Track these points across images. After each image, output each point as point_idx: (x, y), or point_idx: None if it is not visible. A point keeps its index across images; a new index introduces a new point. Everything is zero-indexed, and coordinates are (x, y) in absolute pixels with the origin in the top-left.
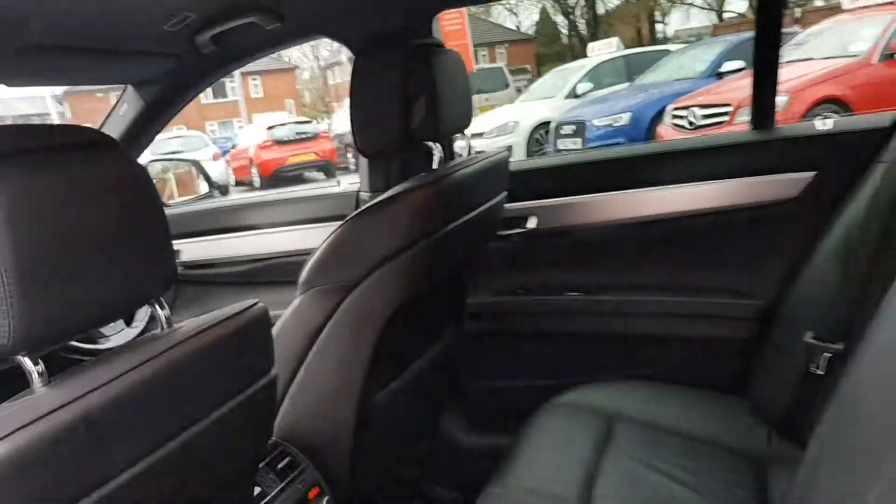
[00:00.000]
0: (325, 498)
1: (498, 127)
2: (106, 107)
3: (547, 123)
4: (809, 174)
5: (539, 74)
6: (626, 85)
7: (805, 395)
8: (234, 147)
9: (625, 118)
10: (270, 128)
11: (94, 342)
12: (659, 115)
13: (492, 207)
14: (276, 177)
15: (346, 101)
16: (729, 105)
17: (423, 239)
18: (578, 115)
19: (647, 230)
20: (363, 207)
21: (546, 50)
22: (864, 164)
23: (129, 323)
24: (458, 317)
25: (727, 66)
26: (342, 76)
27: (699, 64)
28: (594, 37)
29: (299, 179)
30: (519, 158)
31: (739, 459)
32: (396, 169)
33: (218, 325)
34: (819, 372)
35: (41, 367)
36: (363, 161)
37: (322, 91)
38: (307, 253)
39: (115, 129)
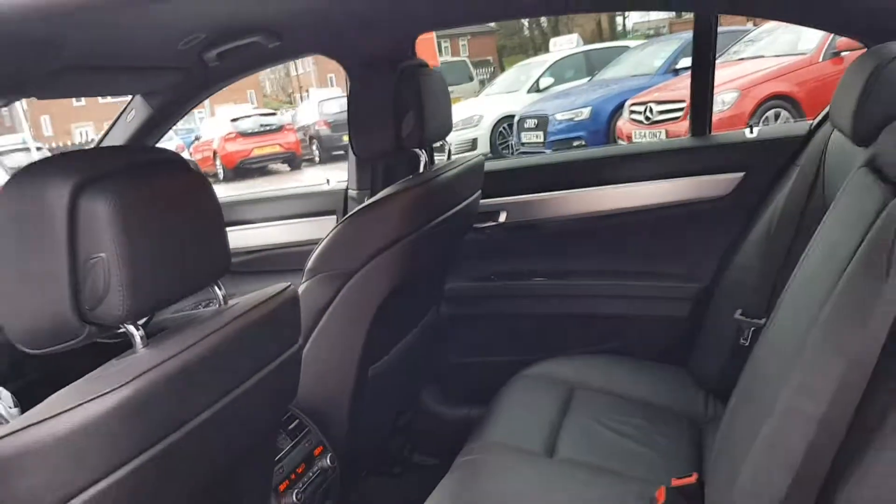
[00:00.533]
0: (328, 455)
1: (463, 120)
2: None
3: (510, 117)
4: (739, 175)
5: (501, 67)
6: (586, 80)
7: (735, 364)
8: (197, 139)
9: (585, 113)
10: (234, 120)
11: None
12: (618, 109)
13: (469, 204)
14: (241, 169)
15: (312, 93)
16: (683, 101)
17: (413, 233)
18: (541, 110)
19: (602, 223)
20: (361, 206)
21: (507, 42)
22: (785, 166)
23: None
24: (438, 300)
25: (683, 62)
26: (304, 66)
27: (656, 60)
28: (555, 30)
29: (263, 171)
30: (483, 151)
31: (681, 419)
32: (380, 170)
33: (263, 303)
34: (746, 344)
35: (142, 332)
36: (351, 162)
37: (284, 82)
38: (299, 244)
39: (123, 133)
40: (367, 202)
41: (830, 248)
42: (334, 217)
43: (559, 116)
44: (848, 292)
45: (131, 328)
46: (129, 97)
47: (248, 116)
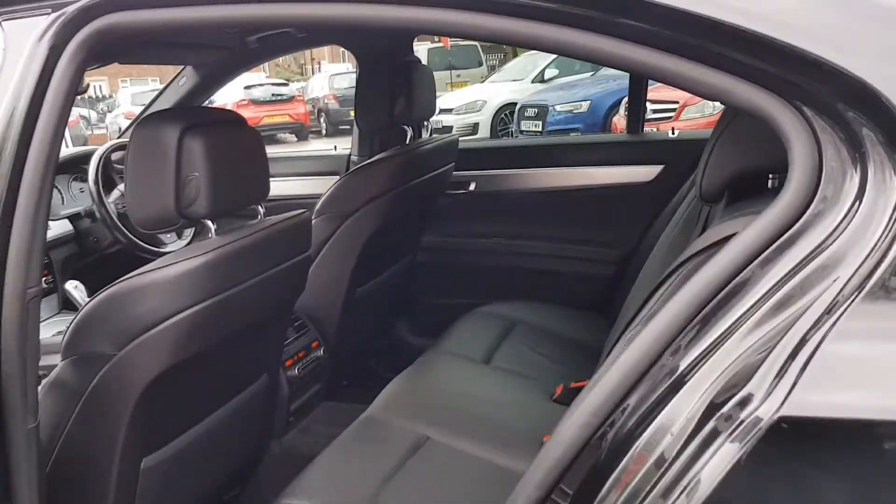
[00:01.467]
0: (322, 348)
1: (466, 104)
2: None
3: (513, 104)
4: (659, 167)
5: (514, 53)
6: (589, 74)
7: None
8: (210, 103)
9: (584, 106)
10: (248, 87)
11: (158, 246)
12: (616, 105)
13: (442, 172)
14: None
15: (325, 66)
16: (676, 102)
17: (395, 188)
18: (542, 100)
19: (551, 197)
20: (359, 165)
21: None
22: (695, 162)
23: (179, 236)
24: (415, 249)
25: None
26: None
27: None
28: None
29: (272, 140)
30: (483, 136)
31: (592, 349)
32: (377, 141)
33: (288, 219)
34: None
35: (216, 225)
36: (355, 134)
37: (297, 53)
38: (309, 197)
39: (174, 95)
40: (361, 163)
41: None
42: (338, 176)
43: (559, 108)
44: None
45: (209, 222)
46: (182, 66)
47: (261, 85)
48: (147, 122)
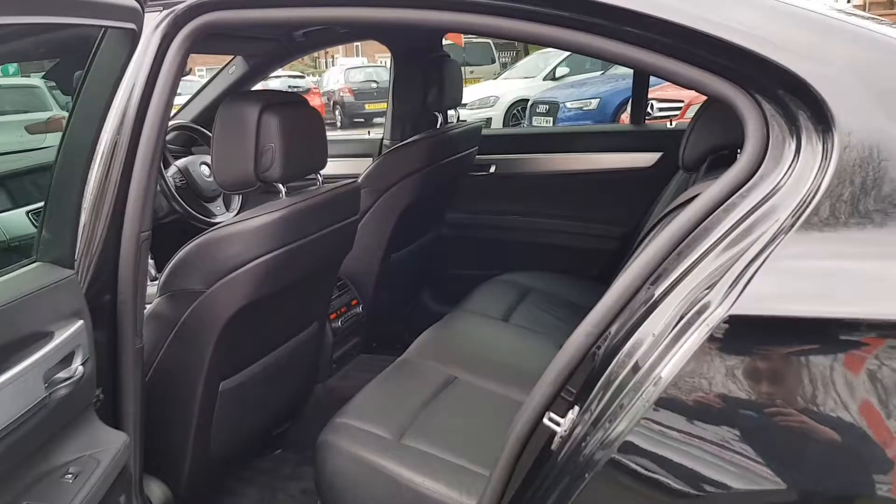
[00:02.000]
0: (360, 306)
1: (480, 100)
2: None
3: (525, 101)
4: (659, 154)
5: (526, 51)
6: (599, 73)
7: None
8: None
9: (594, 104)
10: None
11: (209, 217)
12: (625, 103)
13: (466, 155)
14: None
15: (339, 60)
16: (682, 101)
17: (427, 167)
18: (553, 97)
19: (563, 179)
20: (393, 147)
21: None
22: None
23: (227, 207)
24: (441, 224)
25: None
26: None
27: None
28: None
29: None
30: (495, 128)
31: None
32: (409, 126)
33: (342, 186)
34: None
35: (286, 188)
36: (388, 119)
37: None
38: (344, 177)
39: (224, 82)
40: (395, 146)
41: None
42: (370, 158)
43: (569, 105)
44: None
45: (280, 186)
46: (232, 56)
47: (279, 77)
48: (231, 101)
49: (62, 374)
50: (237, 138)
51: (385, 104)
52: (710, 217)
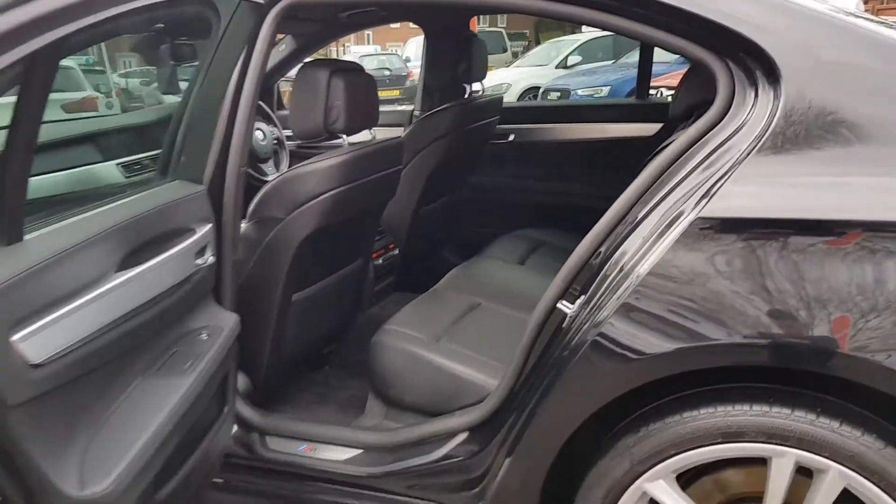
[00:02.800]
0: (397, 250)
1: (492, 87)
2: None
3: (536, 88)
4: (659, 125)
5: (537, 41)
6: (611, 62)
7: None
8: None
9: (604, 91)
10: None
11: (263, 175)
12: (633, 91)
13: (488, 123)
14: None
15: (352, 48)
16: None
17: (450, 133)
18: (565, 84)
19: (573, 147)
20: (423, 115)
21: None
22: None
23: (277, 168)
24: (463, 187)
25: None
26: None
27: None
28: None
29: None
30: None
31: None
32: (438, 96)
33: (388, 140)
34: None
35: (347, 140)
36: (419, 92)
37: None
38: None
39: (274, 59)
40: (424, 115)
41: None
42: (402, 128)
43: (580, 92)
44: None
45: (344, 136)
46: (283, 35)
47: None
48: (307, 68)
49: (199, 261)
50: (311, 97)
51: (397, 91)
52: (690, 150)
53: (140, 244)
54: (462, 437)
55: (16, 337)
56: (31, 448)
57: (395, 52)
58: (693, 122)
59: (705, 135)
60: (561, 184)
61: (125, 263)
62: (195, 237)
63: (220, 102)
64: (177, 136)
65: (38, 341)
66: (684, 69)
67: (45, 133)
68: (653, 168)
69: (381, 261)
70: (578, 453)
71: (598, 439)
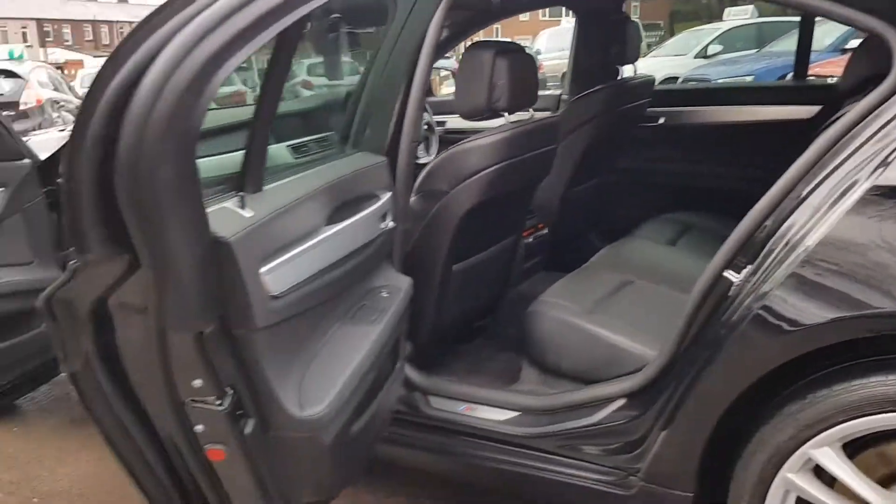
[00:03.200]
0: (546, 230)
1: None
2: None
3: (674, 79)
4: (818, 107)
5: (671, 31)
6: (754, 51)
7: None
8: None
9: (747, 81)
10: None
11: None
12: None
13: (639, 105)
14: None
15: None
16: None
17: (602, 115)
18: (704, 74)
19: (726, 130)
20: (575, 97)
21: (682, 7)
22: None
23: (428, 152)
24: (610, 170)
25: (853, 43)
26: None
27: (827, 39)
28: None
29: None
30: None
31: None
32: (586, 80)
33: (544, 119)
34: None
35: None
36: (567, 76)
37: None
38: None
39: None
40: (573, 99)
41: None
42: (548, 112)
43: (721, 82)
44: None
45: (506, 114)
46: None
47: None
48: (472, 49)
49: (382, 225)
50: (476, 77)
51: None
52: (863, 121)
53: (340, 204)
54: (619, 403)
55: (263, 269)
56: (266, 368)
57: (526, 46)
58: (866, 96)
59: (880, 106)
60: (711, 167)
61: (331, 219)
62: (380, 203)
63: (401, 82)
64: (356, 112)
65: (277, 276)
66: (836, 58)
67: (225, 118)
68: (822, 141)
69: (531, 239)
70: (736, 421)
71: (756, 407)
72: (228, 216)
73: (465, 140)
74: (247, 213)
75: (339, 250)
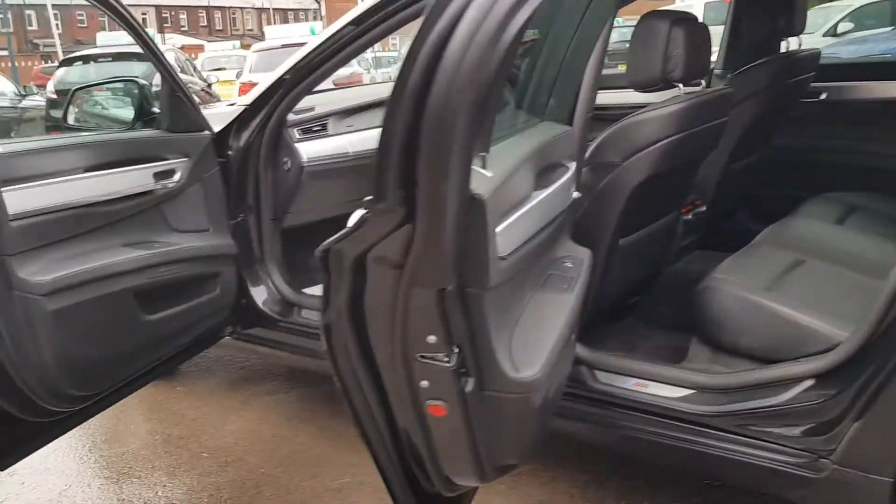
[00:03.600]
0: (704, 206)
1: None
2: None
3: None
4: None
5: None
6: (889, 28)
7: None
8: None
9: None
10: None
11: None
12: None
13: (804, 79)
14: None
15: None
16: None
17: (766, 89)
18: (834, 53)
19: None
20: (738, 72)
21: None
22: None
23: None
24: (771, 145)
25: None
26: None
27: None
28: None
29: None
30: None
31: None
32: (746, 52)
33: (716, 90)
34: None
35: (683, 89)
36: (722, 49)
37: None
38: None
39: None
40: (739, 70)
41: None
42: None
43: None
44: None
45: (681, 85)
46: None
47: None
48: (646, 18)
49: (573, 195)
50: (651, 46)
51: None
52: None
53: (542, 170)
54: (808, 383)
55: (498, 229)
56: (489, 328)
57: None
58: None
59: None
60: (877, 145)
61: (538, 185)
62: (570, 172)
63: (587, 56)
64: (538, 81)
65: (505, 237)
66: None
67: (365, 95)
68: None
69: (690, 216)
70: None
71: None
72: (473, 175)
73: (638, 112)
74: (488, 173)
75: (545, 215)
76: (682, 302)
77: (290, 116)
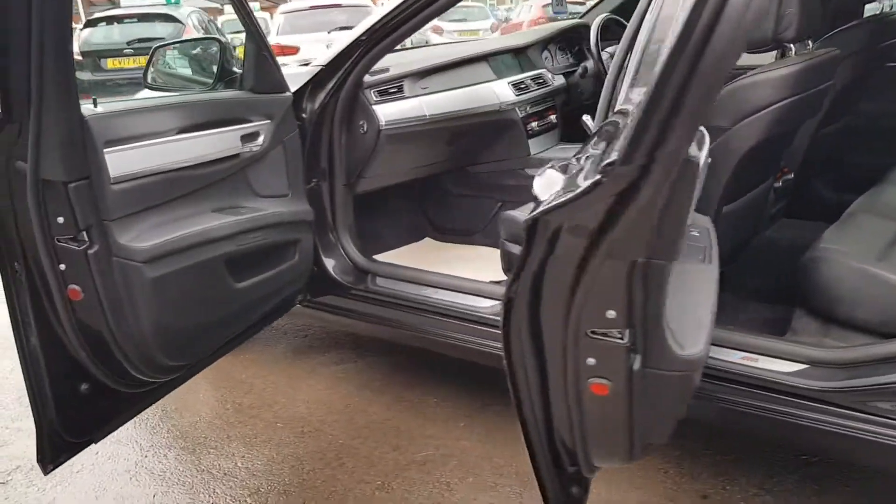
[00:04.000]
0: (792, 174)
1: None
2: None
3: None
4: None
5: None
6: None
7: None
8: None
9: None
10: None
11: None
12: None
13: (893, 43)
14: None
15: None
16: None
17: (857, 53)
18: None
19: None
20: (827, 35)
21: None
22: None
23: None
24: (858, 111)
25: None
26: None
27: None
28: None
29: None
30: None
31: None
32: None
33: (826, 52)
34: None
35: (794, 48)
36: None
37: None
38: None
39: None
40: (836, 30)
41: None
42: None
43: None
44: None
45: (792, 46)
46: None
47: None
48: None
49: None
50: (763, 5)
51: None
52: None
53: None
54: None
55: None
56: (664, 304)
57: None
58: None
59: None
60: None
61: None
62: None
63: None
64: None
65: None
66: None
67: (448, 54)
68: None
69: (780, 183)
70: None
71: None
72: None
73: (747, 73)
74: None
75: None
76: (777, 272)
77: (367, 78)
